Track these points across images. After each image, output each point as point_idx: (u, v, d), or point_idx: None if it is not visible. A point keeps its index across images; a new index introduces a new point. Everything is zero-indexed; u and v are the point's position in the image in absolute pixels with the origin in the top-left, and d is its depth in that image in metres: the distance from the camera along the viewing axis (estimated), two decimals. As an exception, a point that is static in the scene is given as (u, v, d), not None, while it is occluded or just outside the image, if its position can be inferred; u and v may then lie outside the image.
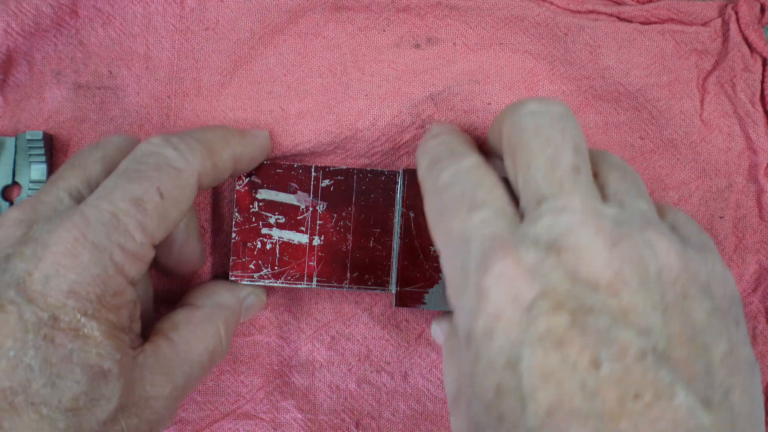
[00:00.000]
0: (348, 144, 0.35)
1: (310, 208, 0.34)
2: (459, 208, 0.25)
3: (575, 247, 0.23)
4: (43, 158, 0.35)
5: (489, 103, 0.36)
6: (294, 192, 0.34)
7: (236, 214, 0.33)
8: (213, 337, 0.30)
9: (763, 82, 0.37)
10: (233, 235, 0.33)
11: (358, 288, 0.34)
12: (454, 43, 0.37)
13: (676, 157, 0.37)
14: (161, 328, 0.29)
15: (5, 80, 0.36)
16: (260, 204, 0.34)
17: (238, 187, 0.33)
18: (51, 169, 0.35)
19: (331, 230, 0.34)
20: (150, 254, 0.27)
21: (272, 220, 0.34)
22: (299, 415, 0.36)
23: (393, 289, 0.33)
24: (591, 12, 0.37)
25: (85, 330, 0.25)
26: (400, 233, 0.33)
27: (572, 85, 0.36)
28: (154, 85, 0.36)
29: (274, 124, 0.35)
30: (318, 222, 0.34)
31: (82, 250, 0.25)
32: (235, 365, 0.36)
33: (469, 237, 0.24)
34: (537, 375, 0.21)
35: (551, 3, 0.37)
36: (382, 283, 0.34)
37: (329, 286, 0.34)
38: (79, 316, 0.25)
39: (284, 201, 0.34)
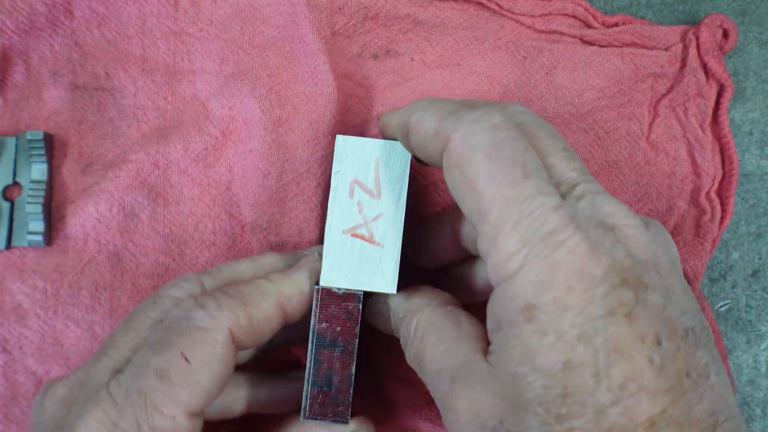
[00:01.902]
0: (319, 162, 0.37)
1: None
2: (512, 171, 0.24)
3: (623, 226, 0.24)
4: (44, 158, 0.36)
5: None
6: None
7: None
8: None
9: (717, 108, 0.38)
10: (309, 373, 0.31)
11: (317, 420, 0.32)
12: (411, 59, 0.38)
13: (619, 179, 0.38)
14: None
15: (3, 80, 0.37)
16: None
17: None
18: (51, 168, 0.37)
19: None
20: (190, 424, 0.26)
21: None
22: None
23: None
24: (554, 32, 0.38)
25: None
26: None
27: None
28: (151, 87, 0.38)
29: (255, 125, 0.37)
30: None
31: None
32: None
33: (531, 207, 0.23)
34: (612, 349, 0.21)
35: (518, 22, 0.38)
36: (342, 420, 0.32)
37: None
38: None
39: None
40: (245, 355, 0.33)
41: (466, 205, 0.25)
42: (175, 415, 0.25)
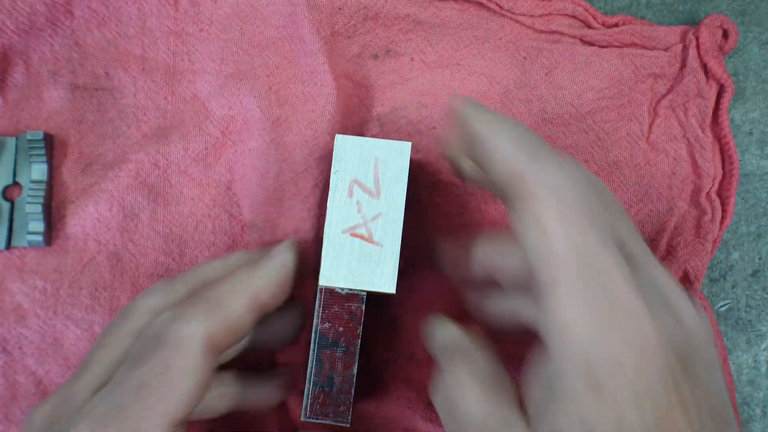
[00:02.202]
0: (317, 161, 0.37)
1: None
2: (584, 222, 0.24)
3: (679, 306, 0.24)
4: (44, 158, 0.36)
5: (434, 128, 0.38)
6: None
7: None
8: None
9: (717, 109, 0.38)
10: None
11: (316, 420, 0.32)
12: (411, 59, 0.38)
13: (620, 179, 0.38)
14: None
15: (3, 80, 0.37)
16: None
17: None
18: (51, 168, 0.37)
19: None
20: None
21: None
22: None
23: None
24: (554, 32, 0.38)
25: None
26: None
27: (523, 108, 0.38)
28: (151, 87, 0.38)
29: (255, 125, 0.37)
30: None
31: None
32: None
33: (597, 262, 0.23)
34: (660, 416, 0.22)
35: (518, 22, 0.38)
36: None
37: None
38: None
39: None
40: (229, 353, 0.33)
41: (529, 243, 0.24)
42: (157, 425, 0.25)
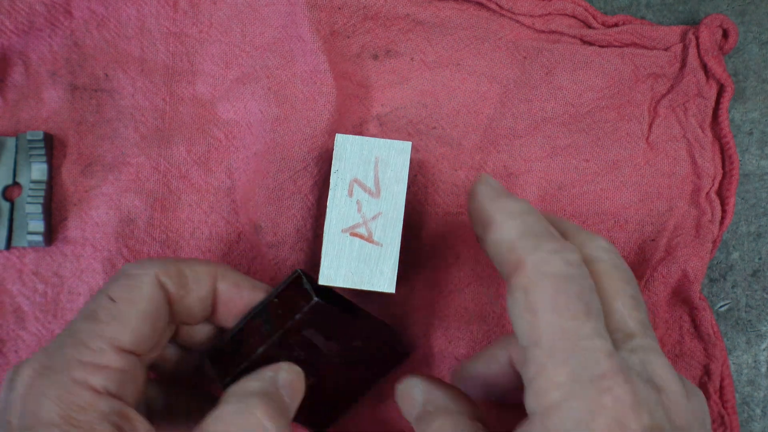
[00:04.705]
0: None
1: (330, 358, 0.32)
2: (576, 306, 0.24)
3: (668, 390, 0.24)
4: (44, 158, 0.36)
5: (434, 128, 0.38)
6: (329, 340, 0.31)
7: (275, 335, 0.30)
8: (254, 428, 0.27)
9: (717, 108, 0.38)
10: (259, 349, 0.30)
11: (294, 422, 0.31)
12: (411, 59, 0.38)
13: (620, 179, 0.38)
14: None
15: (3, 80, 0.37)
16: (299, 340, 0.31)
17: (292, 318, 0.30)
18: (51, 169, 0.37)
19: (325, 377, 0.32)
20: (119, 359, 0.27)
21: (295, 354, 0.31)
22: None
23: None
24: (554, 32, 0.38)
25: None
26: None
27: (523, 108, 0.38)
28: (149, 88, 0.38)
29: (256, 127, 0.37)
30: (323, 365, 0.32)
31: (42, 380, 0.25)
32: None
33: (586, 346, 0.24)
34: None
35: (518, 22, 0.38)
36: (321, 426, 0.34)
37: None
38: None
39: (317, 344, 0.31)
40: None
41: (521, 327, 0.25)
42: (102, 348, 0.26)
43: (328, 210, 0.30)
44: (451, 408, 0.29)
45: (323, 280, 0.30)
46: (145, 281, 0.28)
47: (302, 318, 0.30)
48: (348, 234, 0.31)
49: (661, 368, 0.25)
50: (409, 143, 0.31)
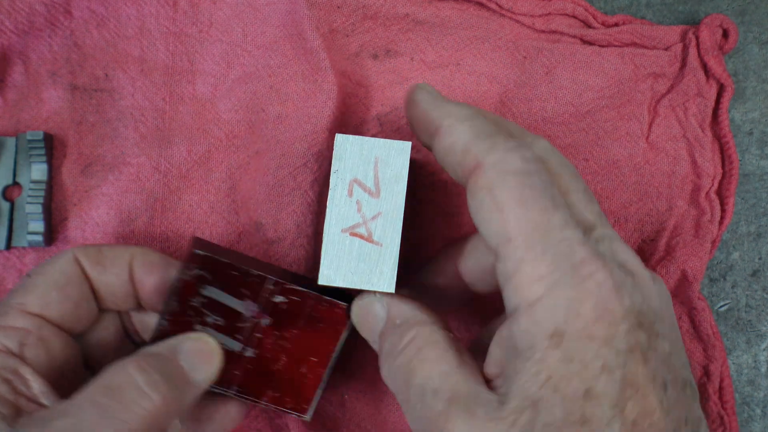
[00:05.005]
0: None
1: (254, 319, 0.32)
2: (543, 200, 0.24)
3: (639, 275, 0.25)
4: (44, 158, 0.36)
5: None
6: (243, 299, 0.31)
7: (173, 301, 0.31)
8: (124, 381, 0.27)
9: (717, 108, 0.38)
10: (164, 321, 0.31)
11: (274, 407, 0.32)
12: (411, 59, 0.38)
13: (619, 179, 0.38)
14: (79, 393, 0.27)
15: (3, 80, 0.37)
16: (203, 300, 0.31)
17: (183, 276, 0.31)
18: (51, 169, 0.37)
19: (268, 346, 0.32)
20: (20, 320, 0.28)
21: (210, 320, 0.31)
22: None
23: (310, 417, 0.33)
24: (554, 32, 0.38)
25: None
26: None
27: (523, 107, 0.38)
28: (149, 88, 0.38)
29: (258, 126, 0.37)
30: (257, 335, 0.32)
31: None
32: None
33: (560, 237, 0.24)
34: (629, 385, 0.23)
35: (518, 22, 0.38)
36: (300, 410, 0.33)
37: (246, 398, 0.32)
38: None
39: (230, 305, 0.31)
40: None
41: (490, 226, 0.25)
42: (6, 312, 0.29)
43: (327, 210, 0.30)
44: (421, 318, 0.29)
45: (323, 280, 0.30)
46: (61, 258, 0.30)
47: (191, 275, 0.30)
48: (348, 234, 0.30)
49: (627, 254, 0.26)
50: (410, 143, 0.31)
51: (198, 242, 0.31)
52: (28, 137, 0.36)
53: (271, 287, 0.31)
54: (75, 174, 0.37)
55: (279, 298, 0.31)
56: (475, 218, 0.26)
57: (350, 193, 0.31)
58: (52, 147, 0.37)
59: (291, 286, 0.31)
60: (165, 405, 0.27)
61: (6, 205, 0.37)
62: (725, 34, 0.37)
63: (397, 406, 0.37)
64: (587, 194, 0.27)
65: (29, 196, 0.36)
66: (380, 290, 0.30)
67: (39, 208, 0.36)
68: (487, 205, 0.25)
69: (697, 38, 0.37)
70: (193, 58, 0.38)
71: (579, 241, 0.24)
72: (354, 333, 0.32)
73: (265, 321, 0.32)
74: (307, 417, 0.33)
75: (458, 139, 0.26)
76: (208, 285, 0.31)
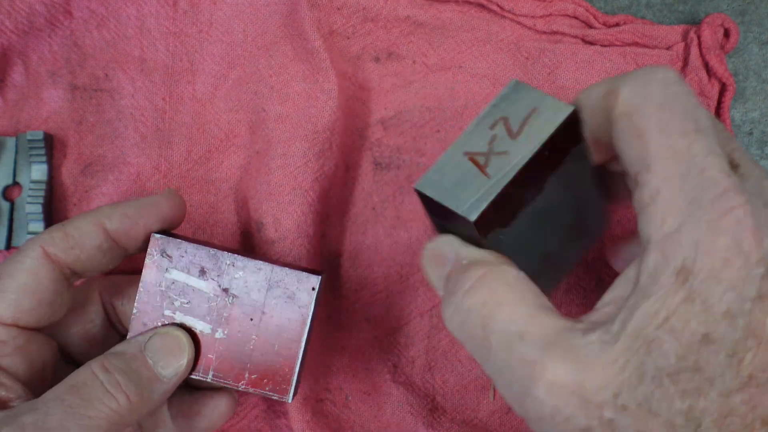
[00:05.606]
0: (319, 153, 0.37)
1: (219, 298, 0.31)
2: (685, 123, 0.23)
3: None
4: (44, 158, 0.36)
5: (438, 131, 0.38)
6: (206, 279, 0.31)
7: (141, 289, 0.31)
8: (86, 379, 0.28)
9: (719, 107, 0.38)
10: (135, 310, 0.31)
11: (254, 391, 0.32)
12: (413, 61, 0.38)
13: None
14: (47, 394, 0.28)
15: (3, 80, 0.37)
16: (169, 284, 0.31)
17: (147, 261, 0.31)
18: (51, 169, 0.37)
19: (237, 326, 0.32)
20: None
21: (177, 303, 0.31)
22: None
23: (290, 398, 0.32)
24: (556, 33, 0.38)
25: None
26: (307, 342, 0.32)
27: None
28: (149, 88, 0.38)
29: (259, 126, 0.37)
30: (224, 315, 0.32)
31: None
32: None
33: (702, 164, 0.22)
34: (752, 335, 0.21)
35: (519, 23, 0.38)
36: (280, 391, 0.32)
37: (224, 383, 0.32)
38: None
39: (194, 285, 0.31)
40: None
41: (630, 154, 0.24)
42: None
43: (464, 131, 0.29)
44: (490, 258, 0.26)
45: (419, 185, 0.28)
46: (29, 255, 0.29)
47: (154, 259, 0.31)
48: (467, 157, 0.29)
49: None
50: (572, 107, 0.29)
51: (158, 232, 0.31)
52: (28, 137, 0.36)
53: (231, 262, 0.31)
54: (75, 174, 0.37)
55: (239, 274, 0.31)
56: (617, 147, 0.24)
57: (492, 127, 0.30)
58: (52, 147, 0.37)
59: (252, 260, 0.31)
60: (129, 404, 0.28)
61: (6, 205, 0.37)
62: (726, 34, 0.37)
63: (399, 407, 0.37)
64: (727, 132, 0.25)
65: (29, 196, 0.36)
66: (463, 215, 0.28)
67: (39, 208, 0.35)
68: (627, 132, 0.24)
69: (698, 37, 0.37)
70: (193, 58, 0.38)
71: (722, 171, 0.22)
72: (322, 305, 0.31)
73: (230, 299, 0.31)
74: (288, 398, 0.32)
75: (596, 90, 0.26)
76: (171, 268, 0.31)
